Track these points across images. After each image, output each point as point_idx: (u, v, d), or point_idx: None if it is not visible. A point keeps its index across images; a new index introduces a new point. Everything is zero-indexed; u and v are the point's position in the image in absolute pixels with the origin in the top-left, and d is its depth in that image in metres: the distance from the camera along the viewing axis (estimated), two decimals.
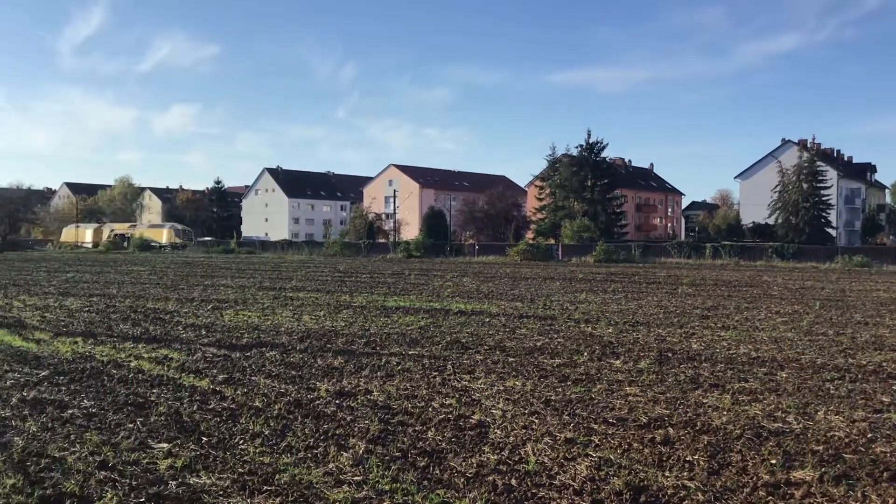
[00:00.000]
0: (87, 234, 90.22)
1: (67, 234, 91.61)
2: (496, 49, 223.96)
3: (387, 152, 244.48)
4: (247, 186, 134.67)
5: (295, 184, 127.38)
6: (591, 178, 75.41)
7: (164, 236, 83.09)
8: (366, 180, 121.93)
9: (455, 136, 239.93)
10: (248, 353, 12.30)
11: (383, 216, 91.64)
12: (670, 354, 12.56)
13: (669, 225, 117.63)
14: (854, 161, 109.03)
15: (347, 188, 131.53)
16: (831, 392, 9.75)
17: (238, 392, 9.42)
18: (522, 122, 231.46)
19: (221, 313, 18.30)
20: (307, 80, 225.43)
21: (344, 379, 10.27)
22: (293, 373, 10.68)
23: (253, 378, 10.30)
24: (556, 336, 14.65)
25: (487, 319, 17.25)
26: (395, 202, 79.77)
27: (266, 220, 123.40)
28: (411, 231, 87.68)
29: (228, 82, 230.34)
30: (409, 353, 12.50)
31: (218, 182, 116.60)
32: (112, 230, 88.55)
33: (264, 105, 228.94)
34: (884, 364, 11.85)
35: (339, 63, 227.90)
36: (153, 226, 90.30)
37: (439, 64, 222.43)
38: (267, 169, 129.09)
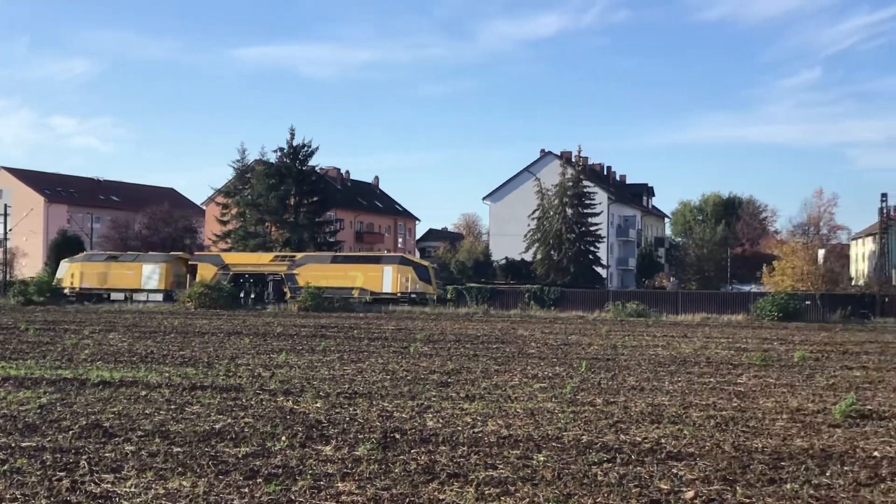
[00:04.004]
0: (148, 271, 60.25)
1: (76, 269, 61.73)
2: (161, 8, 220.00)
3: None
4: None
5: None
6: (296, 195, 76.17)
7: (387, 279, 58.46)
8: None
9: (100, 130, 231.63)
10: None
11: None
12: (398, 436, 13.06)
13: None
14: (628, 181, 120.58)
15: None
16: (599, 479, 10.63)
17: None
18: (199, 115, 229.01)
19: None
20: None
21: None
22: None
23: None
24: (242, 415, 14.71)
25: (144, 393, 17.11)
26: (6, 222, 75.12)
27: None
28: (32, 265, 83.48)
29: None
30: (23, 444, 12.10)
31: None
32: (222, 265, 61.33)
33: None
34: (662, 440, 13.16)
35: None
36: (351, 258, 64.44)
37: (75, 24, 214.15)
38: None
